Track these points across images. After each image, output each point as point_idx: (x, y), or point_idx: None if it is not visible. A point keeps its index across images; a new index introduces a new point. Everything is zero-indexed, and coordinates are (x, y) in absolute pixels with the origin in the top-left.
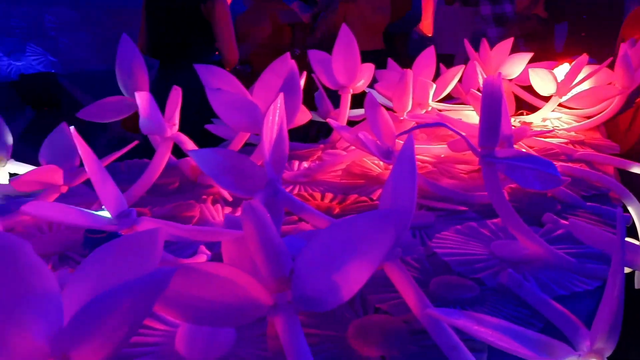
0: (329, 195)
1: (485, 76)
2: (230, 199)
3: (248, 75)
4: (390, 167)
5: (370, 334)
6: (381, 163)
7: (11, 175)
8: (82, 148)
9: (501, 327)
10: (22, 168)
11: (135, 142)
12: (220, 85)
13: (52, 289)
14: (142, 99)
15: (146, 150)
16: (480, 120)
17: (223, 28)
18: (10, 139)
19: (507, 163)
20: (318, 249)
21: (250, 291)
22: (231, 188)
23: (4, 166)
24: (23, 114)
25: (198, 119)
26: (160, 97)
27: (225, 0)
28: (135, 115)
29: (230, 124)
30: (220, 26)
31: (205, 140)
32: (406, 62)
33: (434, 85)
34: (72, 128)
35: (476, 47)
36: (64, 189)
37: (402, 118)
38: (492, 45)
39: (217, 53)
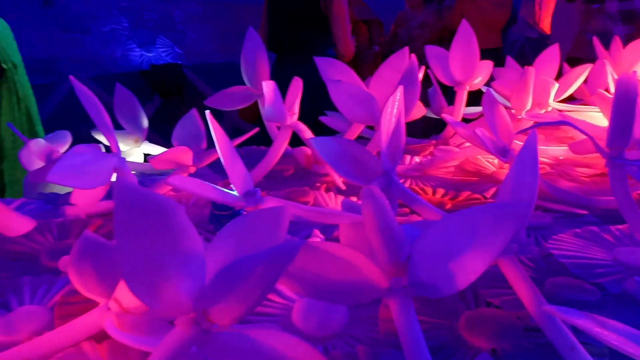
0: (441, 191)
1: (616, 76)
2: (343, 187)
3: None
4: (506, 165)
5: (482, 326)
6: (495, 161)
7: (145, 155)
8: (216, 130)
9: (627, 332)
10: (154, 149)
11: (256, 130)
12: (339, 77)
13: (198, 251)
14: (269, 88)
15: (262, 139)
16: (611, 120)
17: (340, 24)
18: (145, 122)
19: (638, 166)
20: (435, 237)
21: (368, 273)
22: (348, 176)
23: (139, 146)
24: (152, 101)
25: (311, 111)
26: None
27: None
28: (252, 106)
29: (348, 115)
30: (337, 22)
31: (316, 132)
32: (521, 62)
33: (557, 85)
34: (207, 112)
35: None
36: (192, 169)
37: (520, 117)
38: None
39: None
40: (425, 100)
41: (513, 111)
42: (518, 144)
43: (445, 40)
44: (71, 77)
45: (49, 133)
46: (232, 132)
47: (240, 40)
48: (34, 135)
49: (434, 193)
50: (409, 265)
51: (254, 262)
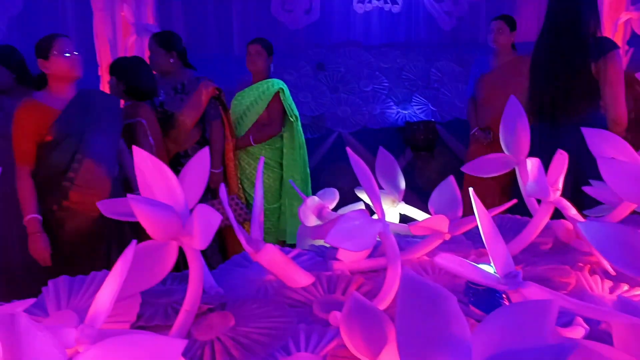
0: None
1: None
2: (613, 272)
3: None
4: None
5: None
6: None
7: (400, 215)
8: (478, 205)
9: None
10: (410, 210)
11: (514, 201)
12: (609, 150)
13: (465, 337)
14: (533, 164)
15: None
16: None
17: (615, 86)
18: (402, 184)
19: None
20: None
21: None
22: (619, 265)
23: (396, 207)
24: (404, 154)
25: (572, 177)
26: (535, 151)
27: (621, 57)
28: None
29: (620, 193)
30: (611, 84)
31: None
32: None
33: None
34: (471, 190)
35: None
36: (447, 237)
37: None
38: None
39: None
40: None
41: None
42: None
43: None
44: (348, 149)
45: (315, 181)
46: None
47: None
48: (306, 178)
49: None
50: None
51: (522, 357)
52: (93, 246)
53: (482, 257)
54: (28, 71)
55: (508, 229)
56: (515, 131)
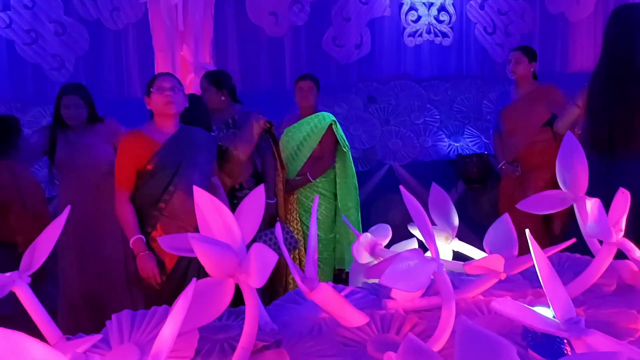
0: None
1: None
2: None
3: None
4: None
5: None
6: None
7: (454, 252)
8: (535, 248)
9: None
10: (464, 247)
11: (572, 240)
12: None
13: None
14: (593, 205)
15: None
16: None
17: None
18: (456, 220)
19: None
20: None
21: None
22: None
23: (449, 243)
24: (456, 187)
25: (634, 215)
26: (593, 185)
27: None
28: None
29: None
30: None
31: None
32: None
33: None
34: (528, 232)
35: None
36: (503, 276)
37: None
38: None
39: None
40: None
41: None
42: None
43: None
44: (402, 188)
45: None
46: None
47: None
48: (358, 206)
49: None
50: None
51: None
52: (176, 277)
53: (541, 298)
54: (95, 108)
55: (567, 267)
56: (572, 167)
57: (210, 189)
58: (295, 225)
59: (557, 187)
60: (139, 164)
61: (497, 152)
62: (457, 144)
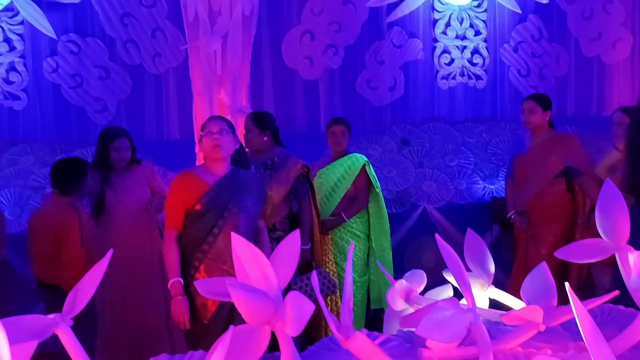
0: None
1: None
2: None
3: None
4: None
5: None
6: None
7: (490, 300)
8: (575, 302)
9: None
10: (500, 295)
11: (616, 292)
12: None
13: None
14: (637, 259)
15: None
16: None
17: None
18: (492, 267)
19: None
20: None
21: None
22: None
23: (485, 291)
24: (491, 231)
25: None
26: (633, 231)
27: None
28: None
29: None
30: None
31: None
32: None
33: None
34: (567, 286)
35: None
36: (542, 328)
37: None
38: None
39: None
40: None
41: None
42: None
43: None
44: (437, 237)
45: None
46: None
47: None
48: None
49: None
50: None
51: None
52: (219, 320)
53: (583, 352)
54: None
55: (611, 320)
56: (612, 215)
57: (255, 231)
58: (330, 267)
59: (569, 241)
60: (188, 204)
61: (508, 200)
62: (492, 187)
